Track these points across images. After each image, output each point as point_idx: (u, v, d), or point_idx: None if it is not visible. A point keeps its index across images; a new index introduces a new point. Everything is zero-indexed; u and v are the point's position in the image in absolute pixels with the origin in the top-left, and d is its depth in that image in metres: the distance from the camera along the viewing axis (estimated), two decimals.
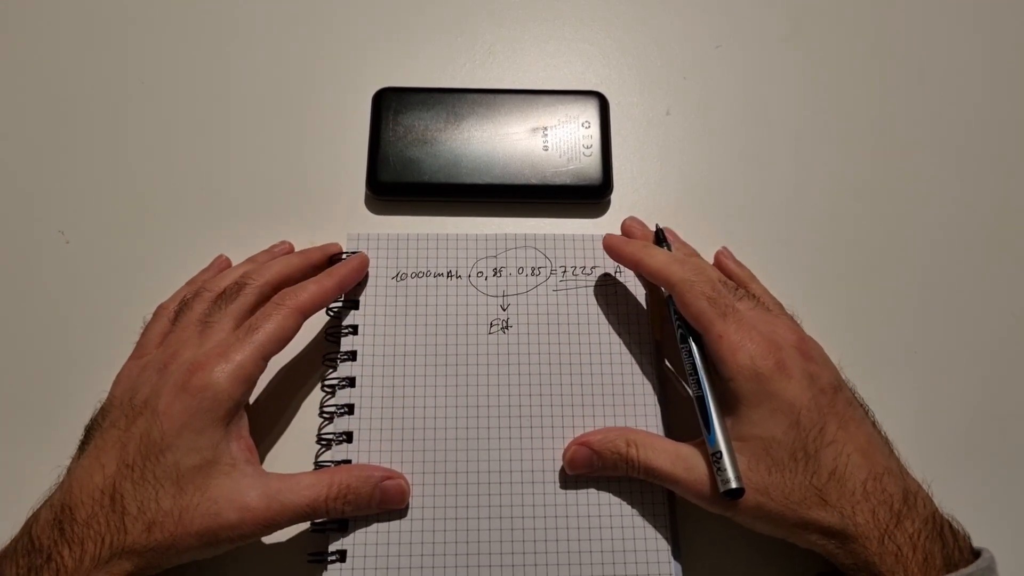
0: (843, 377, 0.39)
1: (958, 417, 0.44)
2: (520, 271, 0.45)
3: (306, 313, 0.39)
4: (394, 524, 0.38)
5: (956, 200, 0.50)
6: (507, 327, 0.43)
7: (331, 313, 0.44)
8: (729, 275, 0.43)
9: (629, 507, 0.39)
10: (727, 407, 0.37)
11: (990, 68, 0.55)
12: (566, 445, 0.39)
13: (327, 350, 0.43)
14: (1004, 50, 0.56)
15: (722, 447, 0.35)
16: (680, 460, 0.37)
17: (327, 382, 0.42)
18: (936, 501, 0.36)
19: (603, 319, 0.44)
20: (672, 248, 0.43)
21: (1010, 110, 0.53)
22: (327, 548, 0.38)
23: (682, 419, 0.43)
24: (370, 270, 0.44)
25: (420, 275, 0.45)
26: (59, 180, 0.49)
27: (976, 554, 0.34)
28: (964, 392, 0.45)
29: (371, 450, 0.40)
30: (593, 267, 0.45)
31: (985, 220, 0.50)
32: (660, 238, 0.44)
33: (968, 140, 0.52)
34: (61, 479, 0.35)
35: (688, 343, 0.39)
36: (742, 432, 0.36)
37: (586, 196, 0.49)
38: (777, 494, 0.34)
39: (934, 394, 0.45)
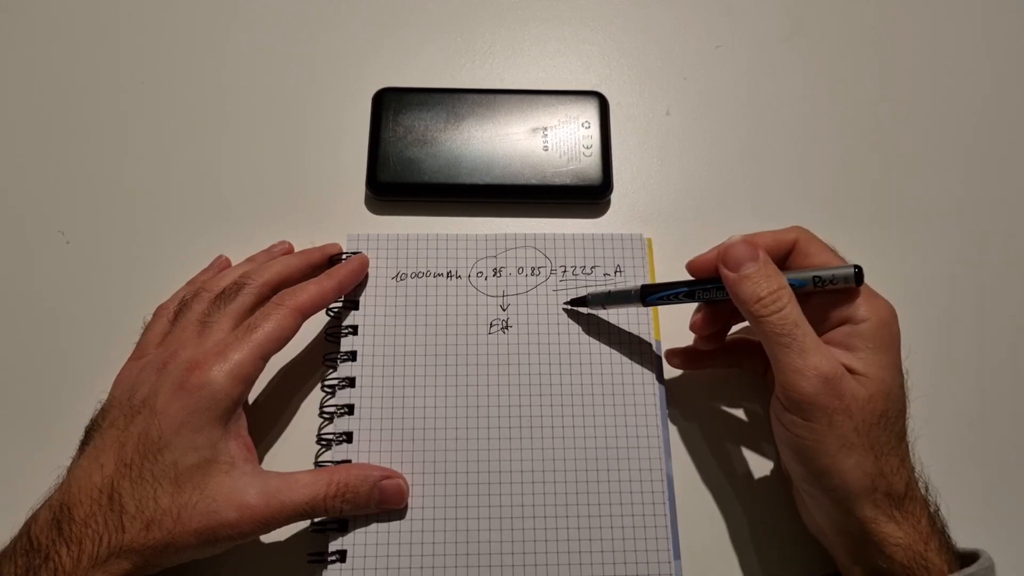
0: None
1: (958, 417, 0.44)
2: (520, 271, 0.45)
3: (305, 313, 0.39)
4: (394, 524, 0.38)
5: (957, 200, 0.50)
6: (507, 327, 0.43)
7: (331, 313, 0.44)
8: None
9: (629, 507, 0.39)
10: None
11: (992, 68, 0.55)
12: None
13: (327, 350, 0.43)
14: (1006, 51, 0.56)
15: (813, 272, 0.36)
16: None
17: (327, 382, 0.42)
18: (936, 502, 0.36)
19: (603, 319, 0.44)
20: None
21: (1013, 111, 0.53)
22: (327, 548, 0.38)
23: (683, 419, 0.43)
24: (370, 270, 0.44)
25: (420, 275, 0.45)
26: (59, 180, 0.49)
27: (973, 556, 0.34)
28: (964, 392, 0.45)
29: (371, 450, 0.40)
30: (593, 267, 0.45)
31: (986, 221, 0.50)
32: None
33: (970, 140, 0.52)
34: (61, 479, 0.35)
35: None
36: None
37: (586, 196, 0.49)
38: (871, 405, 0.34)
39: (934, 394, 0.45)
